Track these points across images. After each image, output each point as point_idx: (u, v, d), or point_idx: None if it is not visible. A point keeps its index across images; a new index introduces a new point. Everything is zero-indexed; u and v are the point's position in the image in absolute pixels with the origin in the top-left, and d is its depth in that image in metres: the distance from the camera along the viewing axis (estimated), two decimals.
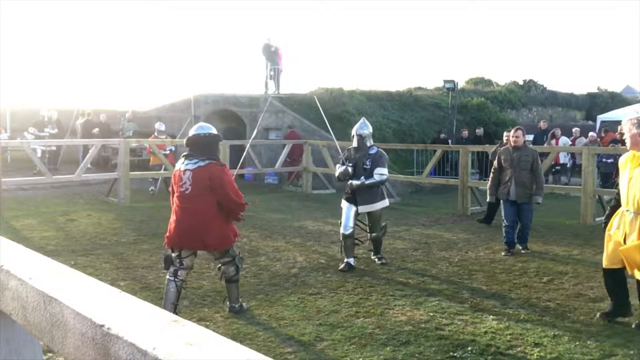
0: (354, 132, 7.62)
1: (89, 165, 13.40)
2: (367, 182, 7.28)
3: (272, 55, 19.09)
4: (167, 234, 5.41)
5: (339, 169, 7.57)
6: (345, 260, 7.30)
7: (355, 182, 7.31)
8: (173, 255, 5.35)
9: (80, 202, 12.49)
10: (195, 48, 49.29)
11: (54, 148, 16.49)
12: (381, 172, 7.34)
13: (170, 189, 5.59)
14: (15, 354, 2.16)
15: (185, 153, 5.45)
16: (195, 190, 5.20)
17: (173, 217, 5.36)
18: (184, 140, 5.54)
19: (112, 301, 1.62)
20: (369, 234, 7.68)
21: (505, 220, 8.35)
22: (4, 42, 35.04)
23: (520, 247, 8.26)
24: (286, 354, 4.60)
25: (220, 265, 5.56)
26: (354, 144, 7.56)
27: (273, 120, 17.62)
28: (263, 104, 17.92)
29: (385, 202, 7.60)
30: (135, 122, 18.46)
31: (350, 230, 7.31)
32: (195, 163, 5.26)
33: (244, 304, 5.69)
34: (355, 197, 7.39)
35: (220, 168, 5.33)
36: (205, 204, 5.21)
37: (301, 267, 7.42)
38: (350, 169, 7.35)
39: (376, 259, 7.64)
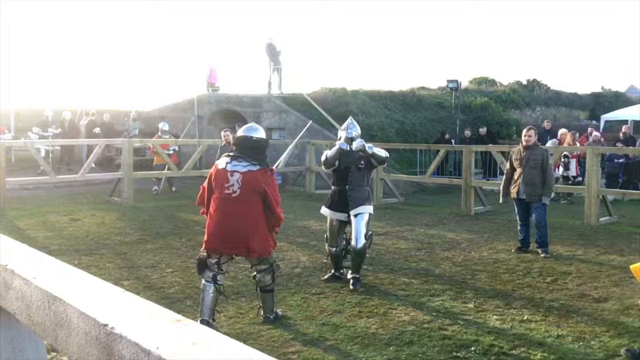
0: (343, 134, 6.74)
1: (92, 165, 13.45)
2: (374, 150, 6.57)
3: (275, 54, 19.13)
4: (206, 237, 5.10)
5: (327, 153, 6.71)
6: (332, 271, 6.77)
7: (367, 146, 6.50)
8: (212, 261, 5.10)
9: (84, 202, 12.52)
10: (197, 48, 49.35)
11: (58, 148, 16.54)
12: (381, 150, 6.71)
13: (205, 187, 5.21)
14: (19, 353, 2.16)
15: (231, 153, 5.19)
16: (245, 194, 4.94)
17: (214, 220, 5.03)
18: (232, 140, 5.35)
19: (115, 300, 1.63)
20: (351, 245, 6.57)
21: (517, 220, 8.45)
22: (7, 42, 35.13)
23: (540, 252, 7.97)
24: (289, 354, 4.61)
25: (255, 273, 5.33)
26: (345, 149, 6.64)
27: (276, 120, 17.63)
28: (266, 103, 17.95)
29: (372, 208, 6.75)
30: (140, 121, 18.52)
31: (338, 248, 6.72)
32: (246, 166, 4.99)
33: (279, 312, 5.44)
34: (342, 201, 6.55)
35: (270, 175, 5.11)
36: (253, 209, 4.97)
37: (304, 267, 7.42)
38: (345, 146, 6.54)
39: (351, 280, 6.44)
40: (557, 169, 13.70)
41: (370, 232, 6.72)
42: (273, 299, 5.41)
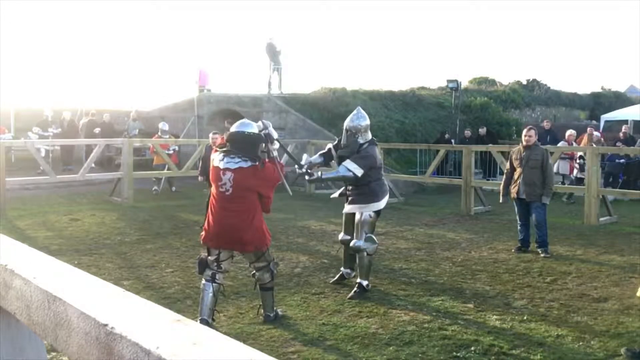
0: (344, 124, 6.35)
1: (92, 165, 13.45)
2: (324, 175, 6.17)
3: (275, 54, 19.13)
4: (204, 231, 5.18)
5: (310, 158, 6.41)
6: (341, 269, 6.61)
7: (310, 177, 6.18)
8: (210, 258, 5.14)
9: (84, 202, 12.52)
10: (197, 48, 49.37)
11: (58, 148, 16.53)
12: (348, 167, 6.00)
13: (200, 177, 5.23)
14: (19, 353, 2.16)
15: (224, 149, 5.17)
16: (237, 192, 4.98)
17: (211, 215, 5.11)
18: (225, 136, 5.35)
19: (115, 300, 1.63)
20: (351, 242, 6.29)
21: (517, 219, 8.46)
22: (6, 42, 35.14)
23: (540, 252, 7.97)
24: (289, 354, 4.61)
25: (254, 272, 5.37)
26: (343, 140, 6.32)
27: (276, 120, 17.61)
28: (266, 103, 17.95)
29: (379, 205, 6.21)
30: (140, 121, 18.53)
31: (347, 237, 6.44)
32: (237, 163, 5.01)
33: (279, 311, 5.46)
34: (347, 195, 6.36)
35: (262, 169, 5.05)
36: (246, 205, 5.00)
37: (304, 266, 7.42)
38: (303, 170, 6.16)
39: (356, 288, 6.15)
40: (572, 171, 13.72)
41: (370, 235, 6.20)
42: (273, 297, 5.43)
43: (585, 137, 13.86)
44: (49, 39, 51.42)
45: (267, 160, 5.17)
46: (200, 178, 10.29)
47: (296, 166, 6.27)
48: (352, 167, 6.00)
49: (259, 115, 17.56)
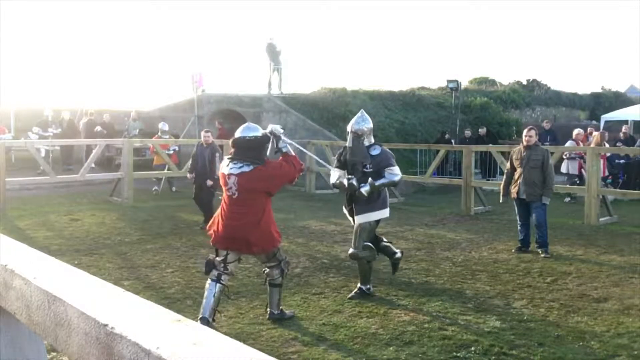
0: (348, 128, 6.30)
1: (92, 165, 13.44)
2: (377, 182, 6.01)
3: (275, 54, 19.13)
4: (213, 233, 5.27)
5: (335, 177, 6.31)
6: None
7: (364, 189, 5.97)
8: (218, 259, 5.24)
9: (84, 202, 12.52)
10: (197, 48, 49.35)
11: (58, 148, 16.53)
12: (393, 172, 6.14)
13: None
14: (19, 354, 2.16)
15: (230, 155, 5.31)
16: (243, 195, 5.09)
17: (220, 218, 5.25)
18: (230, 141, 5.46)
19: (115, 300, 1.63)
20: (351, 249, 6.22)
21: (518, 219, 8.46)
22: (6, 42, 35.16)
23: (540, 252, 7.98)
24: (289, 354, 4.61)
25: (265, 269, 5.47)
26: (348, 143, 6.27)
27: (276, 120, 17.61)
28: (266, 103, 17.96)
29: (384, 213, 6.22)
30: (140, 121, 18.52)
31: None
32: (240, 167, 5.12)
33: (286, 311, 5.50)
34: (350, 203, 6.20)
35: (264, 169, 5.13)
36: (253, 208, 5.12)
37: (304, 267, 7.42)
38: (354, 182, 6.01)
39: (356, 289, 6.18)
40: (583, 170, 13.61)
41: (368, 243, 6.11)
42: (280, 295, 5.49)
43: (598, 136, 13.70)
44: (48, 38, 51.39)
45: (269, 160, 5.25)
46: (189, 176, 10.18)
47: (346, 179, 6.13)
48: (395, 171, 6.20)
49: (259, 115, 17.59)
